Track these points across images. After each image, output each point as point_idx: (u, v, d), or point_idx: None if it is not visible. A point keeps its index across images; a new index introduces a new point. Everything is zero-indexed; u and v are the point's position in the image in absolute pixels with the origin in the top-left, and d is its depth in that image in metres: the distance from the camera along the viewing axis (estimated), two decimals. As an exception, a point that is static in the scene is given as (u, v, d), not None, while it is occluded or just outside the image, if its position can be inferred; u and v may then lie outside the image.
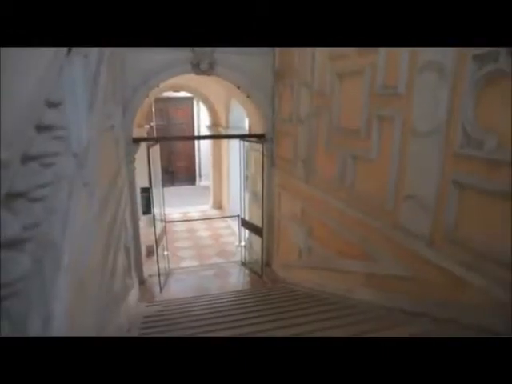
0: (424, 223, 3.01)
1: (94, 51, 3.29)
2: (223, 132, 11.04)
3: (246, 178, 8.29)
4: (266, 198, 7.22)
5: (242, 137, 7.85)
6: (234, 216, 9.09)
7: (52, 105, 1.77)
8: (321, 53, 4.84)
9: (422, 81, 2.97)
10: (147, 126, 9.91)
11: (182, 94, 12.38)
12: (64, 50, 2.01)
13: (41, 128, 1.59)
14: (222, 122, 11.24)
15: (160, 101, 13.52)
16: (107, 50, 4.33)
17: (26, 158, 1.36)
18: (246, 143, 7.71)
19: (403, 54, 3.17)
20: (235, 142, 8.97)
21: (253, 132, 7.83)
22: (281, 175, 6.72)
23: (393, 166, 3.40)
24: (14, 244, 1.15)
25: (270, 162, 7.04)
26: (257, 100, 6.84)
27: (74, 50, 2.31)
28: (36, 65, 1.41)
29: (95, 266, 2.61)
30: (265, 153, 6.99)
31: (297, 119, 5.76)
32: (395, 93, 3.31)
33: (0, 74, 1.11)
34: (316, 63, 4.99)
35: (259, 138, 7.09)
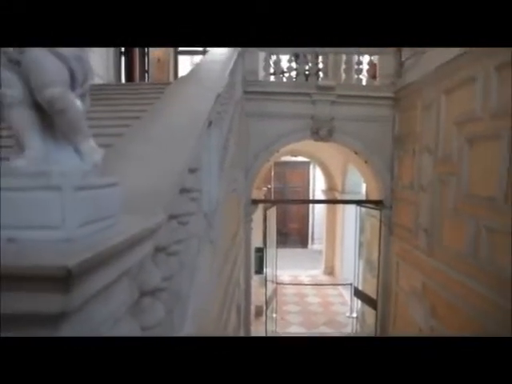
0: None
1: (226, 122, 3.74)
2: (339, 196, 11.01)
3: (361, 244, 7.97)
4: (383, 268, 6.77)
5: (358, 202, 7.72)
6: (347, 284, 8.69)
7: (192, 170, 2.04)
8: (446, 117, 4.63)
9: None
10: (265, 188, 10.47)
11: (299, 158, 12.91)
12: (206, 123, 2.34)
13: (182, 191, 1.83)
14: (338, 186, 11.25)
15: (278, 164, 14.28)
16: (236, 121, 4.86)
17: (170, 217, 1.57)
18: (363, 209, 7.53)
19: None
20: (351, 207, 8.83)
21: (370, 198, 7.64)
22: (399, 244, 6.29)
23: (540, 243, 2.92)
24: (154, 293, 1.30)
25: (388, 229, 6.69)
26: (375, 165, 6.74)
27: (214, 122, 2.67)
28: (191, 142, 1.68)
29: (212, 320, 2.74)
30: (382, 220, 6.69)
31: (418, 186, 5.45)
32: (540, 160, 2.94)
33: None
34: (441, 128, 4.77)
35: (376, 204, 6.86)
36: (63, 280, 0.70)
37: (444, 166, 4.67)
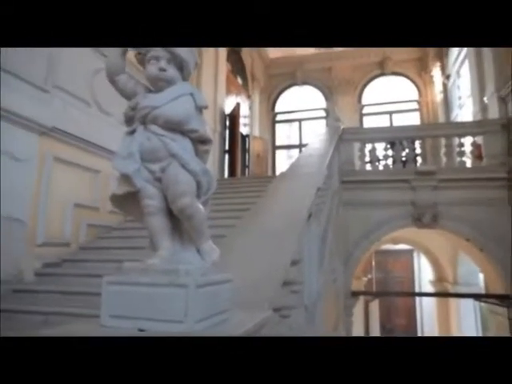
0: None
1: (324, 213, 3.78)
2: (450, 288, 9.82)
3: (486, 347, 6.79)
4: (518, 379, 5.58)
5: (476, 296, 6.80)
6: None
7: (294, 262, 2.08)
8: None
9: None
10: (365, 279, 9.90)
11: (402, 246, 12.12)
12: (307, 215, 2.42)
13: (285, 283, 1.86)
14: (449, 277, 10.11)
15: (379, 253, 13.51)
16: (334, 211, 4.88)
17: (274, 310, 1.59)
18: (483, 304, 6.57)
19: None
20: (467, 301, 7.78)
21: (491, 291, 6.67)
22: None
23: None
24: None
25: (521, 330, 5.65)
26: (493, 254, 5.98)
27: (313, 214, 2.74)
28: (293, 235, 1.76)
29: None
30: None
31: (553, 279, 4.65)
32: None
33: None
34: None
35: (501, 299, 5.94)
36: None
37: None
